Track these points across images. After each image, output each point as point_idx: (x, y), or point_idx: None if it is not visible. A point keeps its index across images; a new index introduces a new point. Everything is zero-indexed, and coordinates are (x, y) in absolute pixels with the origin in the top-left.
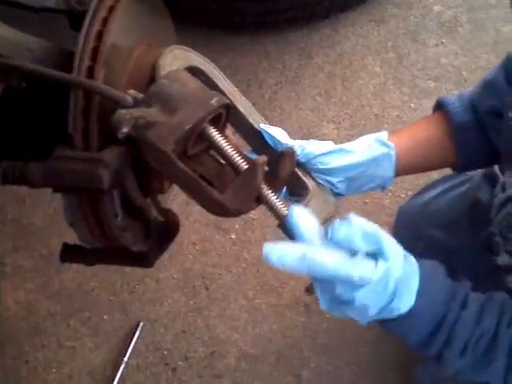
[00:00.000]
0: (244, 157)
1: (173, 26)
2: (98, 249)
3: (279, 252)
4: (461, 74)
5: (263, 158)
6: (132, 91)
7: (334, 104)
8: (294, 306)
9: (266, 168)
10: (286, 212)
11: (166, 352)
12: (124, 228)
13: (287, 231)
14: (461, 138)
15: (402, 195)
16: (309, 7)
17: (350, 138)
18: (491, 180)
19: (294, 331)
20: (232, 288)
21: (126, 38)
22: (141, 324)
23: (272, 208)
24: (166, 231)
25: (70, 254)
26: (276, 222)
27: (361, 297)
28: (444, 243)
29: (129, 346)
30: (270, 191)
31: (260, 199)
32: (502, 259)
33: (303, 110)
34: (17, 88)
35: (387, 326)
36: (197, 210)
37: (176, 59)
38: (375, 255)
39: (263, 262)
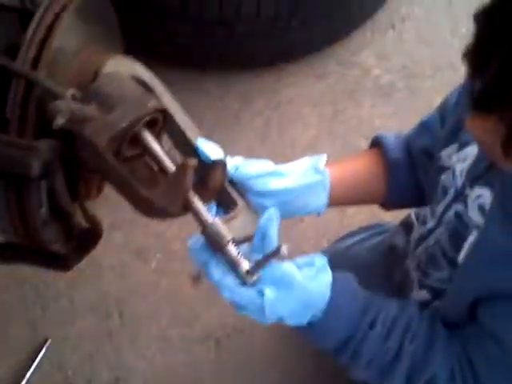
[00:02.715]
0: (176, 163)
1: (120, 36)
2: (14, 245)
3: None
4: None
5: (192, 161)
6: (72, 89)
7: (268, 150)
8: (204, 340)
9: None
10: (210, 219)
11: (70, 372)
12: (46, 222)
13: (209, 240)
14: (392, 174)
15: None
16: (254, 52)
17: None
18: (407, 227)
19: (201, 366)
20: (145, 316)
21: (73, 39)
22: (48, 341)
23: (197, 214)
24: (87, 237)
25: None
26: None
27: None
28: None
29: (33, 363)
30: (197, 198)
31: (187, 206)
32: (419, 295)
33: (238, 152)
34: None
35: (304, 331)
36: (120, 234)
37: (119, 67)
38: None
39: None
